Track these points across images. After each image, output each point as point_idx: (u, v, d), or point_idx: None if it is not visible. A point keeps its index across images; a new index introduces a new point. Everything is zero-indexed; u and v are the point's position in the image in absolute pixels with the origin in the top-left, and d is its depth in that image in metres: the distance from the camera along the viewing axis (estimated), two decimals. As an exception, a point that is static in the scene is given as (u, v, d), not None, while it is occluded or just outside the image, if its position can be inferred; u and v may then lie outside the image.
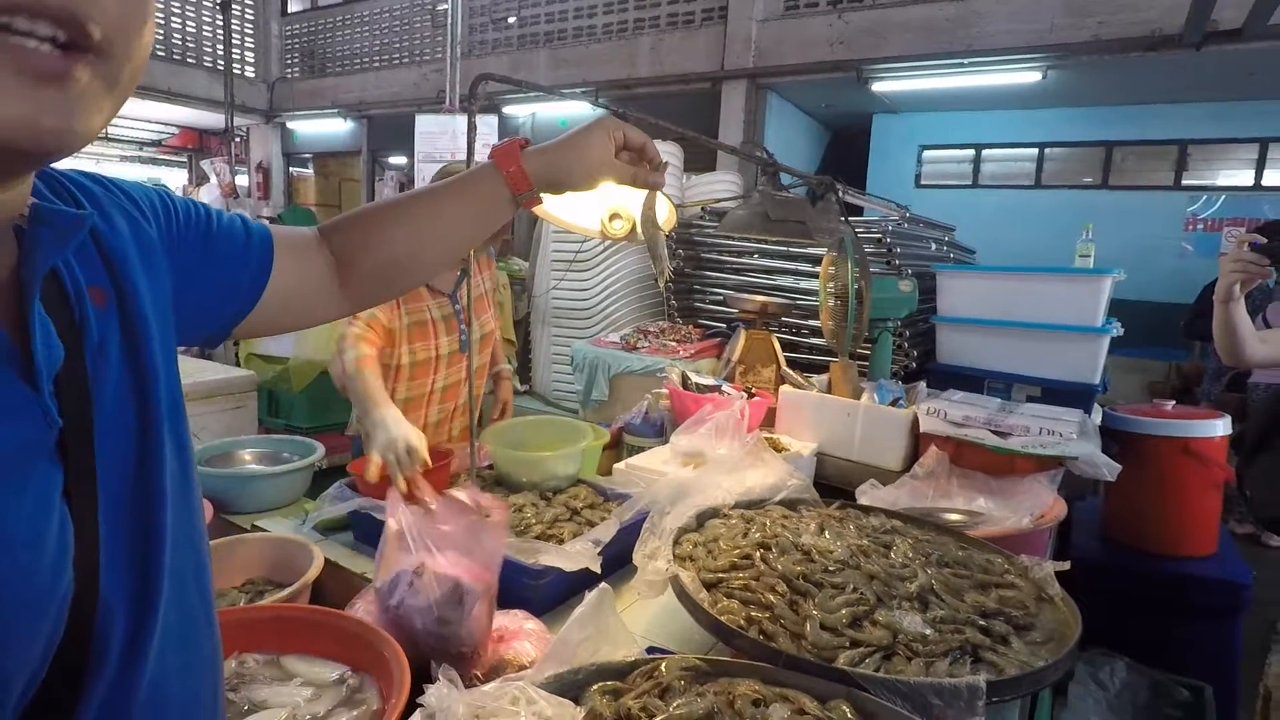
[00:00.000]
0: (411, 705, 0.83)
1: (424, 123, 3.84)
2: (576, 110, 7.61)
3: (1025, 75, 5.57)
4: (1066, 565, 1.20)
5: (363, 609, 1.08)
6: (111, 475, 0.51)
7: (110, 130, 11.30)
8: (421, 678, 0.88)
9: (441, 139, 3.80)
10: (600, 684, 0.87)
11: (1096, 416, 2.37)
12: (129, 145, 11.96)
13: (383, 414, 1.71)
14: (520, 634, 1.08)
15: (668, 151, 4.16)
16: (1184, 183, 6.81)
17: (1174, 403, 2.25)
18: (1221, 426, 2.12)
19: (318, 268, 0.80)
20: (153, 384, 0.55)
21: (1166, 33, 4.77)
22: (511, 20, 7.80)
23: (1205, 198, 6.69)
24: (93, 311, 0.52)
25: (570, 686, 0.87)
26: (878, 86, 6.19)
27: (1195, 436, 2.10)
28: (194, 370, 1.99)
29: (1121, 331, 2.63)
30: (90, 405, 0.50)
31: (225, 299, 0.71)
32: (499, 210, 0.85)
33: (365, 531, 1.48)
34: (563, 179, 0.85)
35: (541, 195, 0.86)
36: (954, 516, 1.59)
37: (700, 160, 5.90)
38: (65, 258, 0.51)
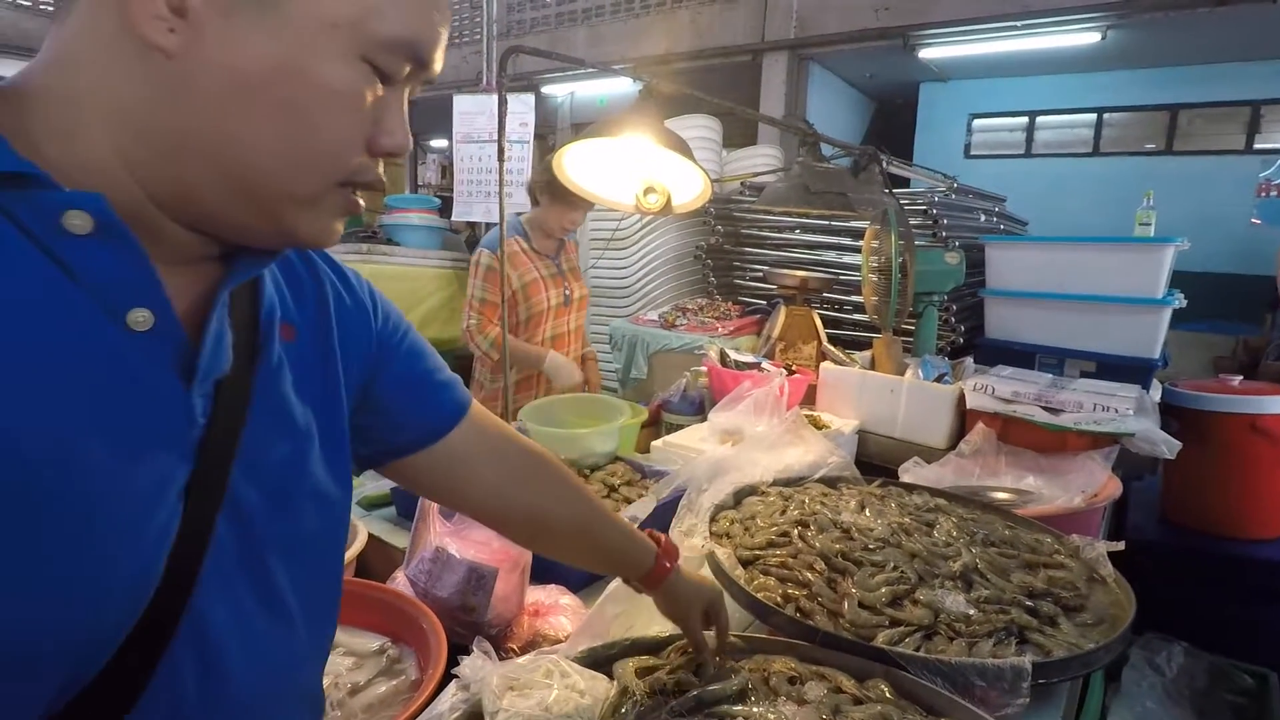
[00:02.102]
0: (448, 676, 0.85)
1: (461, 103, 3.85)
2: (615, 88, 7.55)
3: (1083, 36, 5.30)
4: (1120, 545, 1.15)
5: (403, 582, 1.10)
6: (248, 490, 0.51)
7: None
8: (459, 649, 0.90)
9: (479, 119, 3.80)
10: (636, 659, 0.87)
11: (1156, 393, 2.27)
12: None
13: (553, 359, 2.37)
14: (556, 608, 1.08)
15: (705, 125, 4.10)
16: (1256, 146, 6.42)
17: (1240, 378, 2.14)
18: (1292, 402, 2.01)
19: (481, 465, 0.76)
20: (323, 423, 0.59)
21: (1239, -15, 4.48)
22: (549, -2, 7.75)
23: (1280, 162, 6.30)
24: (278, 341, 0.56)
25: (604, 660, 0.88)
26: (925, 53, 5.97)
27: (1265, 413, 1.99)
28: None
29: (1184, 303, 2.50)
30: (244, 418, 0.51)
31: (390, 437, 0.69)
32: (623, 570, 0.89)
33: (407, 507, 1.51)
34: (673, 594, 0.88)
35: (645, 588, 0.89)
36: (1001, 495, 1.54)
37: (741, 134, 5.80)
38: (272, 292, 0.57)
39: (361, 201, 0.54)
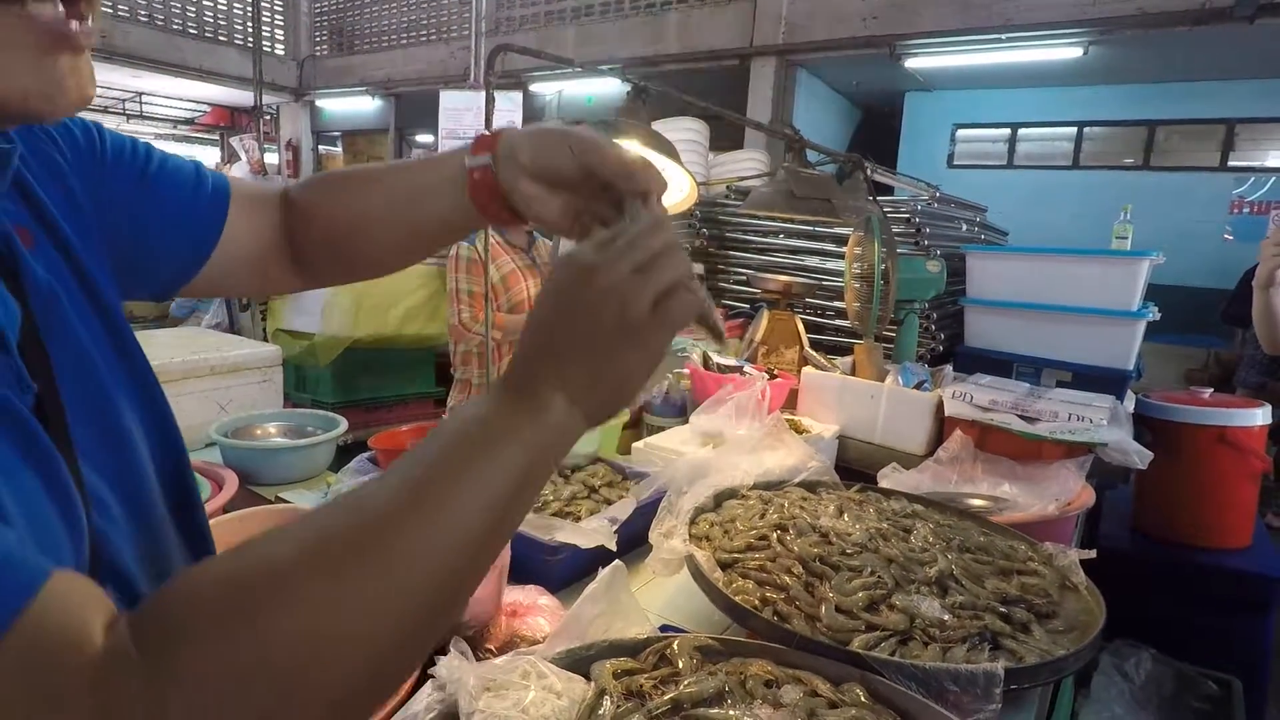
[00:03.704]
0: (424, 676, 0.84)
1: (448, 99, 3.83)
2: (603, 88, 7.55)
3: (1065, 51, 5.39)
4: (1092, 553, 1.17)
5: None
6: (88, 438, 0.46)
7: (145, 108, 11.48)
8: (435, 649, 0.89)
9: (466, 115, 3.78)
10: (614, 661, 0.87)
11: (1130, 403, 2.31)
12: (163, 123, 12.13)
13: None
14: (534, 609, 1.08)
15: (692, 128, 4.11)
16: (1231, 163, 6.58)
17: (1211, 390, 2.18)
18: (1261, 416, 2.05)
19: (272, 227, 0.71)
20: (113, 333, 0.51)
21: (1216, 5, 4.58)
22: (538, -4, 7.73)
23: (1253, 179, 6.45)
24: (25, 252, 0.46)
25: (582, 662, 0.87)
26: (911, 63, 6.04)
27: (1232, 425, 2.04)
28: (221, 345, 2.02)
29: (1158, 316, 2.55)
30: (49, 361, 0.44)
31: (166, 251, 0.62)
32: (450, 186, 0.65)
33: (385, 505, 1.49)
34: (547, 157, 0.61)
35: (505, 180, 0.62)
36: (977, 502, 1.56)
37: (728, 138, 5.82)
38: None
39: (76, 28, 0.38)
